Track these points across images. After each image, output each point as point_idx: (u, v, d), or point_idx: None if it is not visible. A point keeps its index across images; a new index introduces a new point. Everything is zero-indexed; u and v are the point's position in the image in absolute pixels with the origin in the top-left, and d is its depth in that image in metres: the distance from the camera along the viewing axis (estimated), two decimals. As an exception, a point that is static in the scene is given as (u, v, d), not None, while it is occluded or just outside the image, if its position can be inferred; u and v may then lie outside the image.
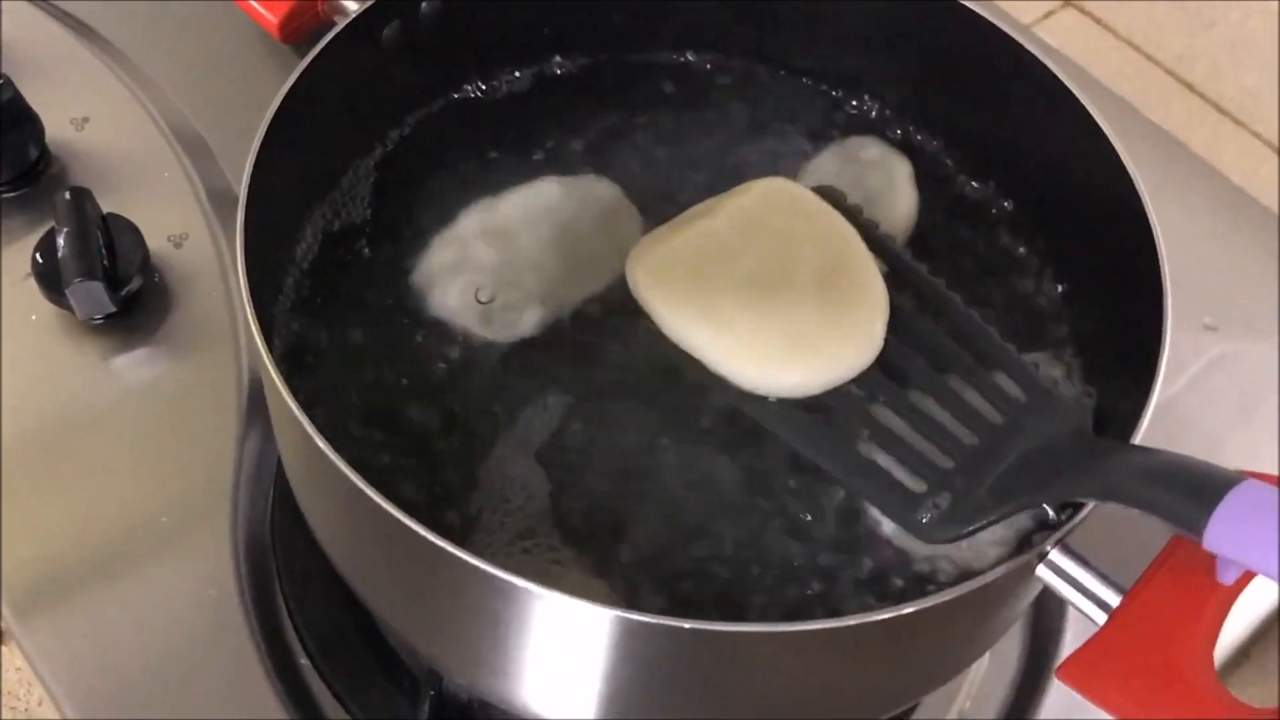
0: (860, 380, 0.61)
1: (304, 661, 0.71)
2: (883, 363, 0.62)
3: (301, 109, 0.62)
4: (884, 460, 0.59)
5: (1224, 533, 0.47)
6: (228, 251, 0.80)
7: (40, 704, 0.76)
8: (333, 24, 0.65)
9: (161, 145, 0.85)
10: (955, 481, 0.57)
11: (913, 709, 0.71)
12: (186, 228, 0.81)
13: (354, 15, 0.65)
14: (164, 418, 0.76)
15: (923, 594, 0.57)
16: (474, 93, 0.73)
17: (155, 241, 0.79)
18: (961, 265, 0.69)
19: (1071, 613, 0.58)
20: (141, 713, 0.67)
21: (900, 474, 0.58)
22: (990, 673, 0.73)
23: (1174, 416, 0.80)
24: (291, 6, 0.80)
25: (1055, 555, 0.52)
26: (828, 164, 0.72)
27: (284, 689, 0.69)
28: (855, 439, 0.60)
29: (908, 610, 0.49)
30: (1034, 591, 0.57)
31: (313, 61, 0.62)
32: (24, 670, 0.70)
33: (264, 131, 0.60)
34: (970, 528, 0.55)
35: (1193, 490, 0.48)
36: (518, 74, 0.74)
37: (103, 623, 0.69)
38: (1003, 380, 0.61)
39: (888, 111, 0.75)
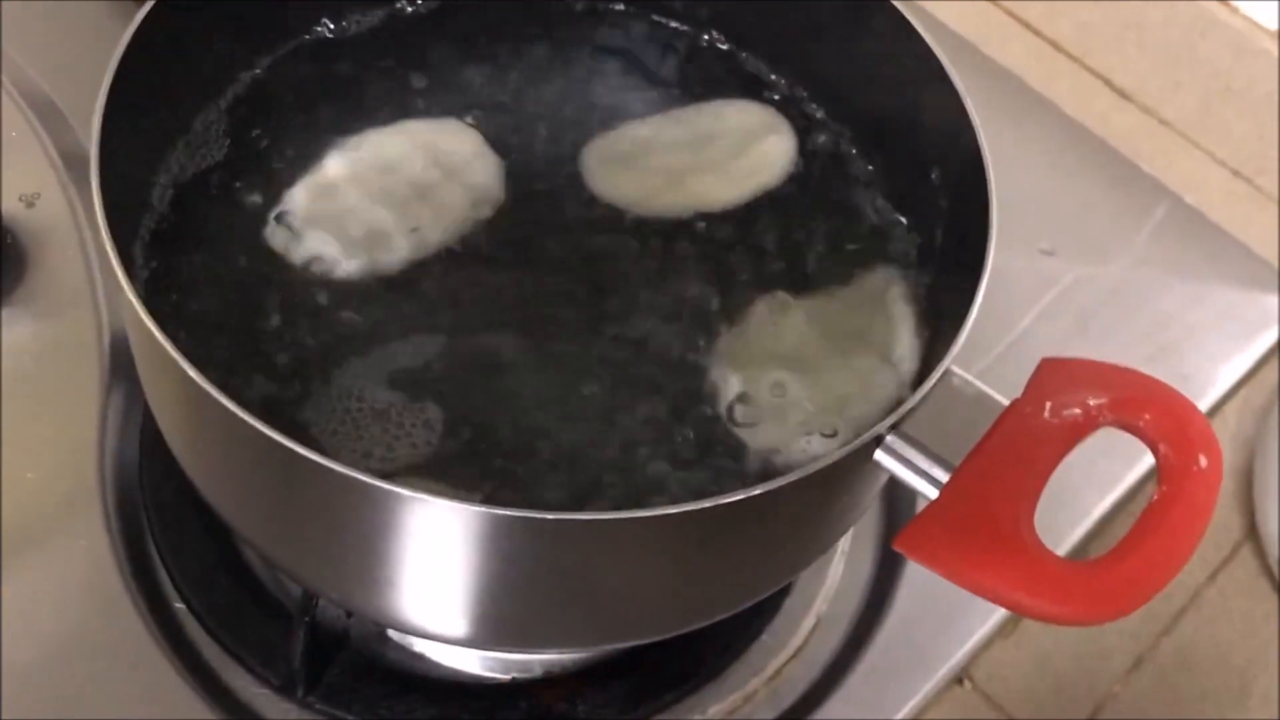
0: None
1: (179, 605, 0.72)
2: None
3: (147, 56, 0.62)
4: None
5: None
6: (82, 209, 0.80)
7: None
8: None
9: (8, 106, 0.84)
10: None
11: (776, 611, 0.74)
12: (38, 187, 0.81)
13: (198, -42, 0.65)
14: (25, 378, 0.76)
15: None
16: (325, 34, 0.74)
17: (6, 202, 0.79)
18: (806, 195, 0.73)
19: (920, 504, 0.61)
20: (12, 660, 0.67)
21: None
22: (845, 578, 0.77)
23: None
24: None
25: (891, 439, 0.55)
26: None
27: (161, 634, 0.70)
28: None
29: (757, 491, 0.51)
30: (877, 480, 0.59)
31: (155, 7, 0.63)
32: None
33: (110, 77, 0.60)
34: None
35: None
36: (367, 14, 0.75)
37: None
38: None
39: (744, 54, 0.77)
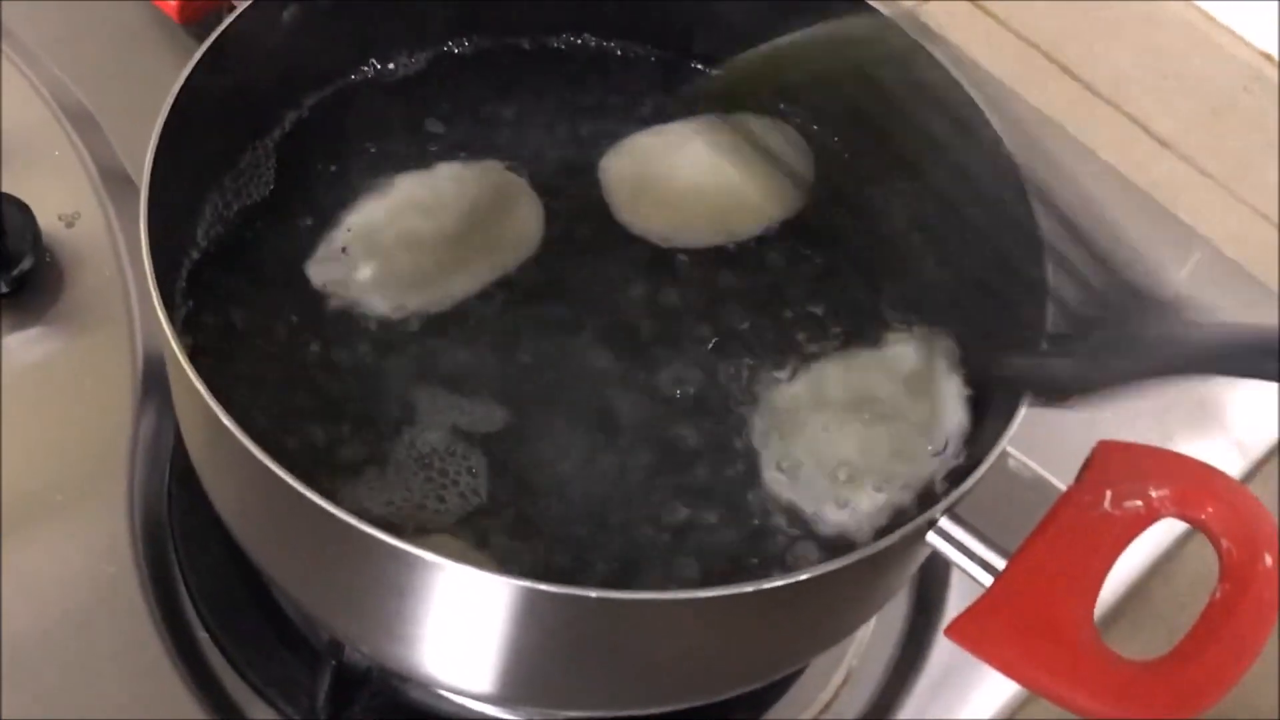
0: None
1: (203, 635, 0.71)
2: None
3: (200, 92, 0.62)
4: None
5: None
6: (120, 230, 0.79)
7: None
8: (230, 4, 0.65)
9: (50, 123, 0.83)
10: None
11: (801, 669, 0.73)
12: (78, 206, 0.80)
13: (255, -2, 0.65)
14: (57, 397, 0.75)
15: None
16: (371, 74, 0.73)
17: (46, 220, 0.78)
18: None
19: (955, 574, 0.61)
20: (38, 690, 0.67)
21: None
22: (877, 633, 0.75)
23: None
24: (190, -12, 0.80)
25: (945, 522, 0.54)
26: None
27: (183, 664, 0.69)
28: None
29: (802, 577, 0.51)
30: (923, 556, 0.59)
31: (213, 44, 0.62)
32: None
33: (164, 116, 0.60)
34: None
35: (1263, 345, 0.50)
36: (415, 57, 0.74)
37: (-1, 606, 0.69)
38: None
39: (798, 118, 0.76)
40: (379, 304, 0.66)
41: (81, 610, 0.69)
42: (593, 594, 0.50)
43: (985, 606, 0.52)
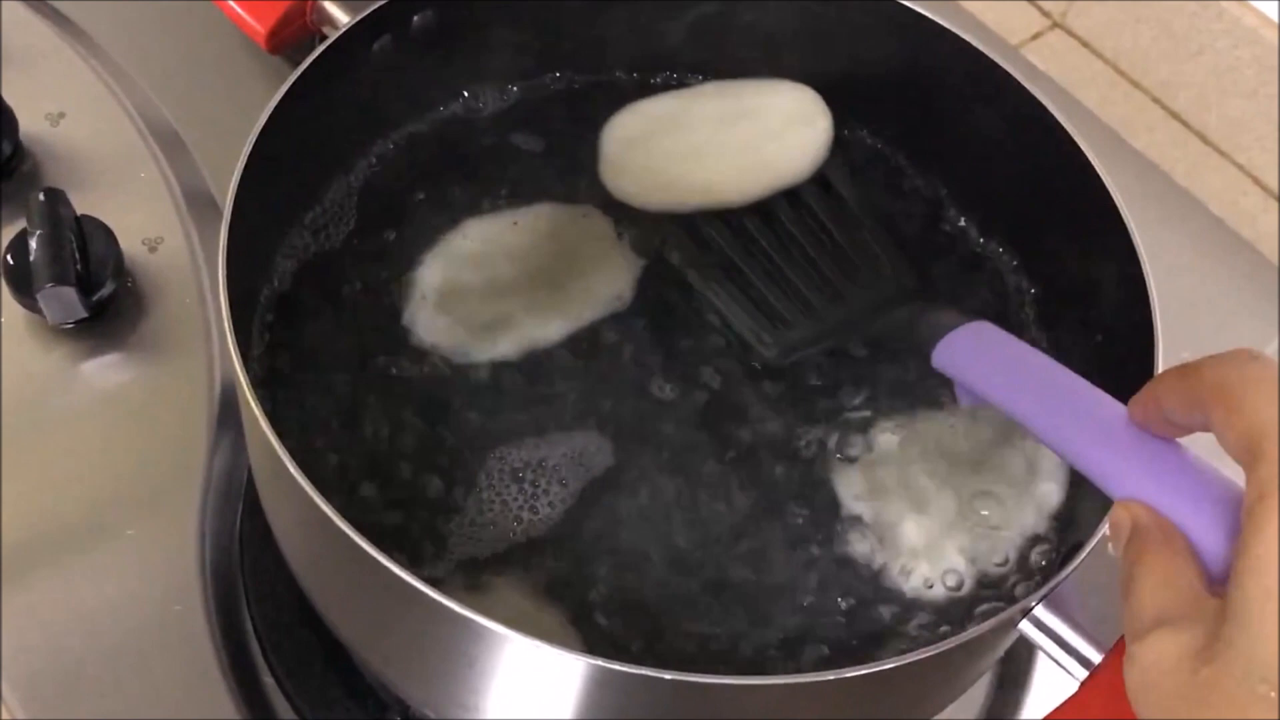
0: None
1: (269, 680, 0.70)
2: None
3: (287, 122, 0.61)
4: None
5: (946, 356, 0.56)
6: (202, 256, 0.79)
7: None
8: (320, 34, 0.64)
9: (138, 144, 0.83)
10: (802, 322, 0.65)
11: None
12: (161, 231, 0.79)
13: (345, 28, 0.64)
14: (133, 425, 0.74)
15: (898, 634, 0.58)
16: (463, 109, 0.72)
17: (129, 244, 0.77)
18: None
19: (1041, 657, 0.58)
20: (100, 730, 0.66)
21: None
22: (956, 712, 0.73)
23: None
24: (280, 17, 0.79)
25: (1039, 611, 0.52)
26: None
27: (248, 708, 0.68)
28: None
29: (889, 665, 0.49)
30: (1011, 641, 0.56)
31: (302, 75, 0.61)
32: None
33: (251, 145, 0.58)
34: (796, 355, 0.64)
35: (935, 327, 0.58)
36: (506, 90, 0.73)
37: (64, 637, 0.68)
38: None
39: (880, 144, 0.74)
40: (457, 348, 0.64)
41: (146, 648, 0.68)
42: (667, 676, 0.48)
43: (1076, 706, 0.49)
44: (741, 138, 0.69)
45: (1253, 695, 0.34)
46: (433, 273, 0.66)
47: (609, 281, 0.67)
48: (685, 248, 0.67)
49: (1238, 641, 0.35)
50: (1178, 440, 0.44)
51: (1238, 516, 0.39)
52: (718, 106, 0.71)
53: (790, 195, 0.69)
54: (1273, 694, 0.34)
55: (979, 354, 0.56)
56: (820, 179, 0.70)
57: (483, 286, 0.66)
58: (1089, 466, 0.46)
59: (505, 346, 0.65)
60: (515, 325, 0.65)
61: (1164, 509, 0.42)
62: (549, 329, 0.65)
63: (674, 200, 0.68)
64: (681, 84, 0.75)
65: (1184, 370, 0.41)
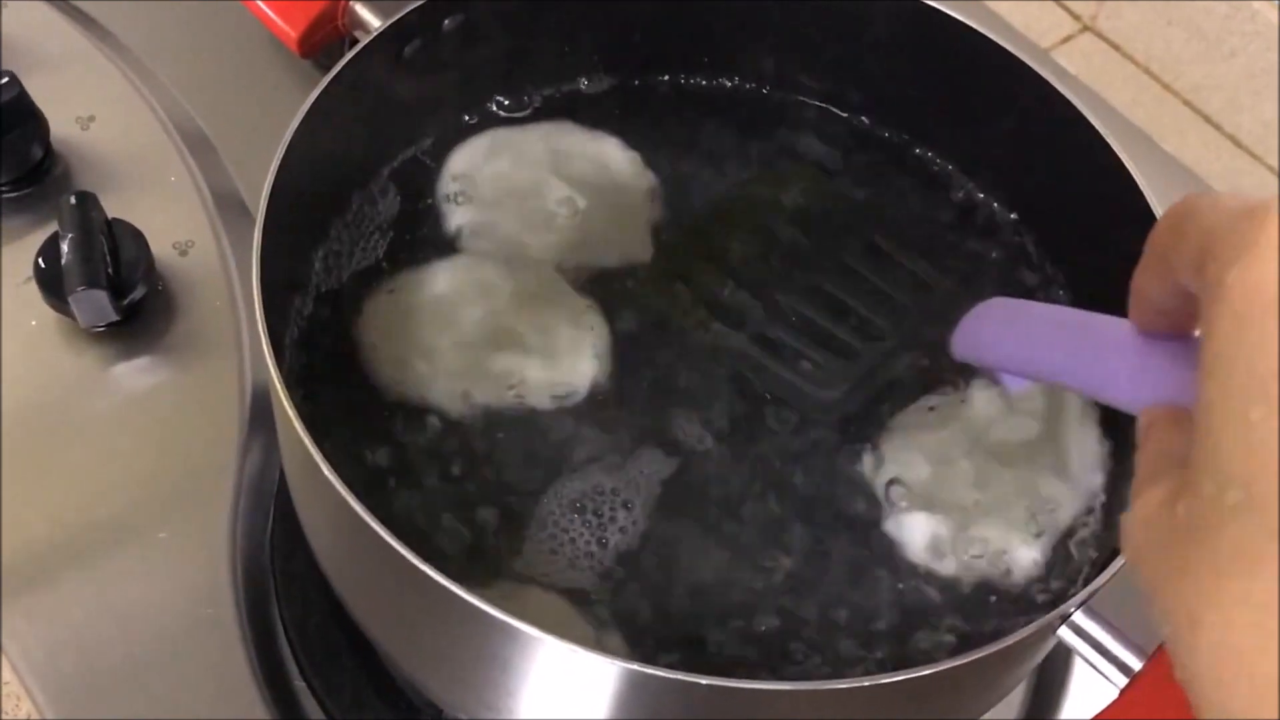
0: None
1: (300, 683, 0.69)
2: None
3: (319, 126, 0.60)
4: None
5: (964, 345, 0.55)
6: (234, 260, 0.79)
7: None
8: (351, 38, 0.64)
9: (168, 147, 0.83)
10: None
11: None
12: (192, 235, 0.79)
13: (377, 32, 0.63)
14: (164, 428, 0.74)
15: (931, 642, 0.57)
16: (497, 112, 0.72)
17: (159, 247, 0.77)
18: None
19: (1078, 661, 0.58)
20: (130, 731, 0.66)
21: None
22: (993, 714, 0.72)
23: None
24: (311, 22, 0.79)
25: (1079, 617, 0.51)
26: None
27: (279, 711, 0.68)
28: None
29: (925, 672, 0.48)
30: (1050, 648, 0.56)
31: (334, 79, 0.61)
32: (11, 684, 0.68)
33: (284, 148, 0.58)
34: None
35: None
36: (543, 93, 0.73)
37: (96, 640, 0.68)
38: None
39: (918, 148, 0.74)
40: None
41: (177, 651, 0.68)
42: (703, 681, 0.47)
43: (1116, 712, 0.49)
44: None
45: (1224, 510, 0.31)
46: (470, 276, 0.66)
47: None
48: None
49: (1200, 459, 0.32)
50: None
51: None
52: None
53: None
54: (1243, 497, 0.31)
55: (993, 331, 0.55)
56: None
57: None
58: (1117, 395, 0.45)
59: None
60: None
61: (1178, 400, 0.41)
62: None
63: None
64: (710, 83, 0.75)
65: (1149, 243, 0.39)
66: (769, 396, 0.64)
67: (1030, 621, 0.50)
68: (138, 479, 0.72)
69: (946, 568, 0.60)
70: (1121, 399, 0.44)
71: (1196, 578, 0.32)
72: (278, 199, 0.57)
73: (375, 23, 0.66)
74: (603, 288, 0.66)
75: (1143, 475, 0.37)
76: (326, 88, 0.61)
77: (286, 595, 0.71)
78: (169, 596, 0.69)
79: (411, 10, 0.64)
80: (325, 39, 0.80)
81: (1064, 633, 0.51)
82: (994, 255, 0.71)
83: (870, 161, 0.73)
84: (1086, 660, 0.51)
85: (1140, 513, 0.35)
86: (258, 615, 0.70)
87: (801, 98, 0.75)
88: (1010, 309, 0.54)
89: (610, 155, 0.70)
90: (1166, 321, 0.41)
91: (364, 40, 0.63)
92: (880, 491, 0.62)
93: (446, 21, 0.66)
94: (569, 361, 0.63)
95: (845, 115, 0.75)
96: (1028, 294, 0.69)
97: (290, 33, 0.79)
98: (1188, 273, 0.36)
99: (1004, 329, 0.54)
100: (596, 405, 0.63)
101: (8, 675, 0.68)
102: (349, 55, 0.62)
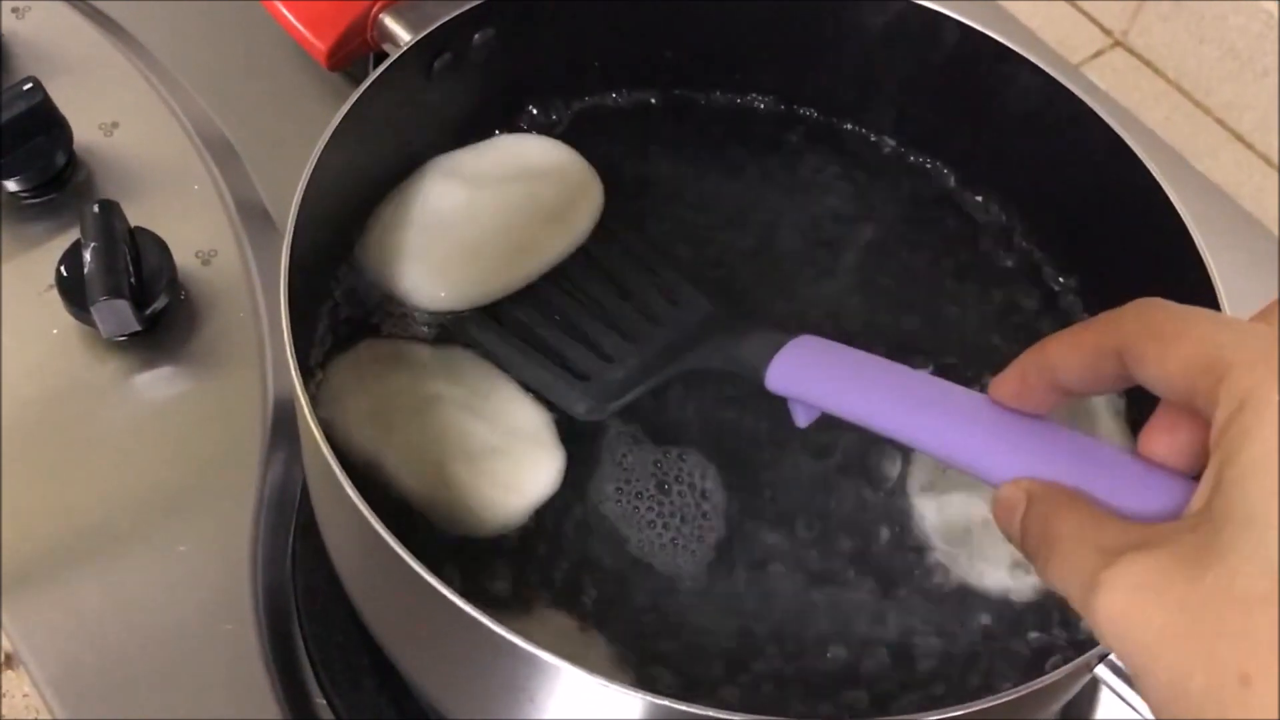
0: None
1: (320, 701, 0.69)
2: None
3: (348, 139, 0.60)
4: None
5: (779, 376, 0.54)
6: (257, 270, 0.78)
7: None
8: (379, 51, 0.63)
9: (192, 155, 0.82)
10: (610, 371, 0.62)
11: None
12: (215, 244, 0.78)
13: (406, 46, 0.62)
14: (185, 439, 0.74)
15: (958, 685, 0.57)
16: (526, 126, 0.71)
17: (182, 257, 0.76)
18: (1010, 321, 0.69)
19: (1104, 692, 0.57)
20: (150, 750, 0.65)
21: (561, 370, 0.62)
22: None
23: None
24: (340, 35, 0.78)
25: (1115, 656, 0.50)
26: None
27: (298, 729, 0.67)
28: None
29: (958, 713, 0.47)
30: (1083, 684, 0.55)
31: (364, 93, 0.60)
32: (31, 697, 0.68)
33: (314, 161, 0.57)
34: (616, 404, 0.61)
35: (763, 345, 0.55)
36: (574, 105, 0.72)
37: (115, 653, 0.67)
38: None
39: (946, 169, 0.73)
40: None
41: (196, 666, 0.67)
42: (736, 718, 0.46)
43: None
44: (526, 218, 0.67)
45: (1257, 595, 0.32)
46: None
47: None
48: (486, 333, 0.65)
49: (1241, 544, 0.33)
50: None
51: (1137, 471, 0.40)
52: (495, 194, 0.68)
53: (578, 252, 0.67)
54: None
55: (818, 367, 0.54)
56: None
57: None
58: (963, 457, 0.45)
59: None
60: None
61: (1059, 478, 0.41)
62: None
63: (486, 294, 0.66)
64: (740, 101, 0.74)
65: (1087, 327, 0.41)
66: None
67: (1067, 661, 0.49)
68: (158, 490, 0.72)
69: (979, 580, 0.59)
70: (971, 463, 0.44)
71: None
72: (306, 211, 0.56)
73: (405, 36, 0.65)
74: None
75: (1105, 540, 0.37)
76: (357, 102, 0.60)
77: (308, 611, 0.70)
78: (188, 610, 0.69)
79: (441, 24, 0.64)
80: (354, 53, 0.79)
81: (1101, 671, 0.50)
82: (1019, 273, 0.70)
83: (896, 185, 0.73)
84: (1123, 699, 0.50)
85: (1146, 576, 0.35)
86: (278, 631, 0.69)
87: (833, 119, 0.74)
88: (840, 354, 0.54)
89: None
90: (1049, 399, 0.43)
91: (394, 54, 0.62)
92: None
93: (476, 36, 0.65)
94: None
95: (874, 139, 0.74)
96: (1055, 320, 0.68)
97: (320, 47, 0.78)
98: (1167, 368, 0.38)
99: (833, 372, 0.53)
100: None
101: (27, 688, 0.68)
102: (379, 69, 0.61)
